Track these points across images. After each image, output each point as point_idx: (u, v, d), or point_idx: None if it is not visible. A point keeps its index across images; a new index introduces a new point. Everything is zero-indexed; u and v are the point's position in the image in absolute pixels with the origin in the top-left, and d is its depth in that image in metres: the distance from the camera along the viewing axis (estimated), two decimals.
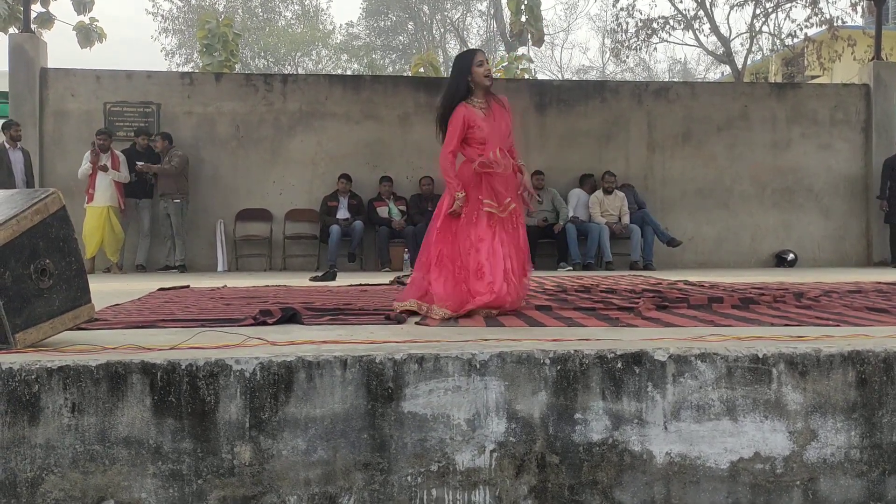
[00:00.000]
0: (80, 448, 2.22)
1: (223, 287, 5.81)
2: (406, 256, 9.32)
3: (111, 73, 10.00)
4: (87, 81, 9.89)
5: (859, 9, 16.94)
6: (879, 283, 5.90)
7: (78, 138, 9.50)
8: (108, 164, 8.97)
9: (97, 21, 15.48)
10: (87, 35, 15.45)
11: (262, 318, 3.27)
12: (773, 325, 3.20)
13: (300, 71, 29.62)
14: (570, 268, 9.56)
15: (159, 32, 28.94)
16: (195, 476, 2.25)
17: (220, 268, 9.68)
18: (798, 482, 2.38)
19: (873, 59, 11.33)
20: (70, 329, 2.68)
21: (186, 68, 26.60)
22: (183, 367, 2.25)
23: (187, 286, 5.89)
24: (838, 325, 3.13)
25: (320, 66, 32.08)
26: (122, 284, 6.53)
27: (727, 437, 2.36)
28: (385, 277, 7.18)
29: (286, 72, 27.81)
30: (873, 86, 10.79)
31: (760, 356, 2.38)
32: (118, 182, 9.09)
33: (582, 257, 9.69)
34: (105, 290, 5.44)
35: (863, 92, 10.89)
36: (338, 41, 33.26)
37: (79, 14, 15.19)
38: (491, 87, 3.70)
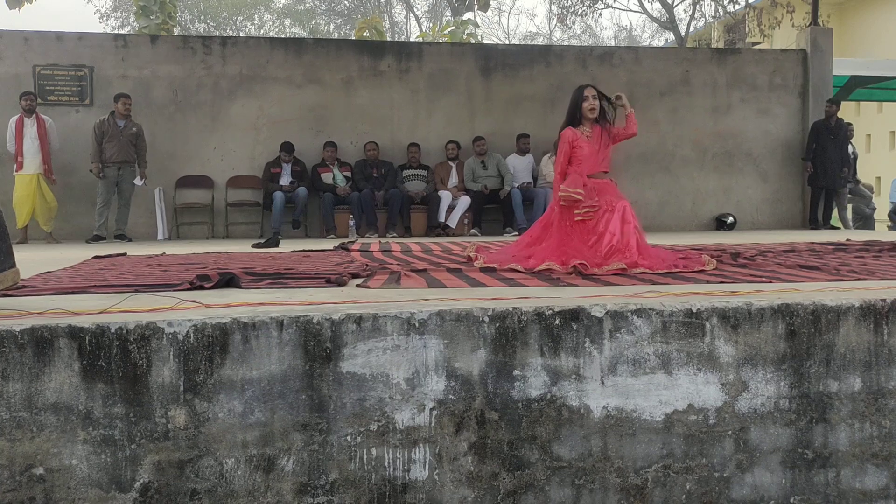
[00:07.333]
0: (5, 415, 2.15)
1: (162, 254, 5.67)
2: (351, 223, 9.19)
3: (40, 35, 9.58)
4: (14, 43, 9.45)
5: None
6: (813, 243, 6.08)
7: (6, 102, 9.08)
8: (35, 130, 8.58)
9: None
10: None
11: (198, 283, 3.20)
12: (708, 282, 3.26)
13: (241, 34, 28.88)
14: (516, 233, 9.60)
15: None
16: (128, 441, 2.20)
17: (160, 236, 9.45)
18: (730, 432, 2.45)
19: (810, 24, 11.54)
20: None
21: (123, 31, 25.70)
22: (112, 330, 2.19)
23: (124, 254, 5.73)
24: (771, 282, 3.21)
25: (263, 30, 31.32)
26: (58, 253, 6.33)
27: (662, 390, 2.41)
28: (330, 244, 7.10)
29: (226, 35, 27.06)
30: (810, 51, 11.00)
31: (694, 310, 2.43)
32: (47, 149, 8.70)
33: (528, 222, 9.72)
34: (38, 259, 5.26)
35: (800, 57, 11.08)
36: (281, 5, 32.49)
37: None
38: (596, 118, 4.43)
